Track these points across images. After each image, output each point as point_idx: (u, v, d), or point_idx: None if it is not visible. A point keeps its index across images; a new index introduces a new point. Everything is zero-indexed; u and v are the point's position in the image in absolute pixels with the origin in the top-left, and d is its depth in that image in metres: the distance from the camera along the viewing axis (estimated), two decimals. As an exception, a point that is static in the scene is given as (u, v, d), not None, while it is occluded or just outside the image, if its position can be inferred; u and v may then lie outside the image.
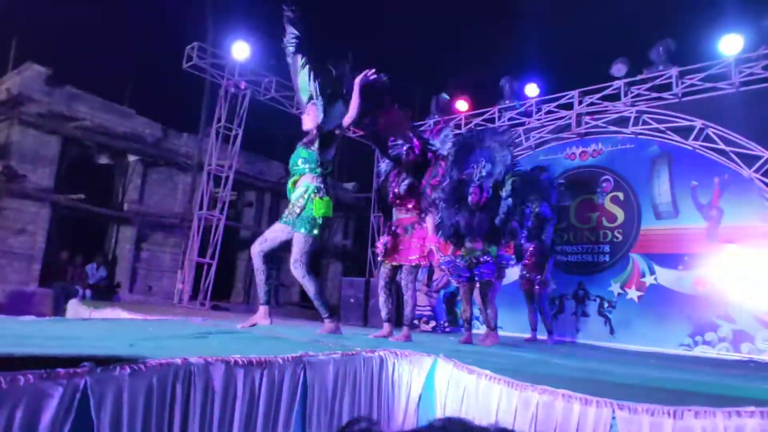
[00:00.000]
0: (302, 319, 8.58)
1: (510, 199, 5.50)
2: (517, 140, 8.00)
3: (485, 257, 5.28)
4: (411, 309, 4.42)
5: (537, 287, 7.25)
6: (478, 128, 8.87)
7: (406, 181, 4.58)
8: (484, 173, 5.62)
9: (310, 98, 4.08)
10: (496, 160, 5.64)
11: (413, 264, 4.42)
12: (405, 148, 4.75)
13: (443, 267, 5.58)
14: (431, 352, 2.64)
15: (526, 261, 7.30)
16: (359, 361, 2.44)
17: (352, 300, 10.02)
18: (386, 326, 4.45)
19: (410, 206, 4.55)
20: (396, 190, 4.59)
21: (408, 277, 4.43)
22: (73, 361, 1.55)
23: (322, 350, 2.38)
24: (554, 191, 7.91)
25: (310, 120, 4.03)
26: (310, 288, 3.93)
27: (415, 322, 9.44)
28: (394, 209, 4.64)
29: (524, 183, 6.30)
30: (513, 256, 5.89)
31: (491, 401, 2.24)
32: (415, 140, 4.70)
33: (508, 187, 5.50)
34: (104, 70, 12.06)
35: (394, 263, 4.51)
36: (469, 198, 5.43)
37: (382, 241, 4.55)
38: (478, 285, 5.65)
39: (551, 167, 8.59)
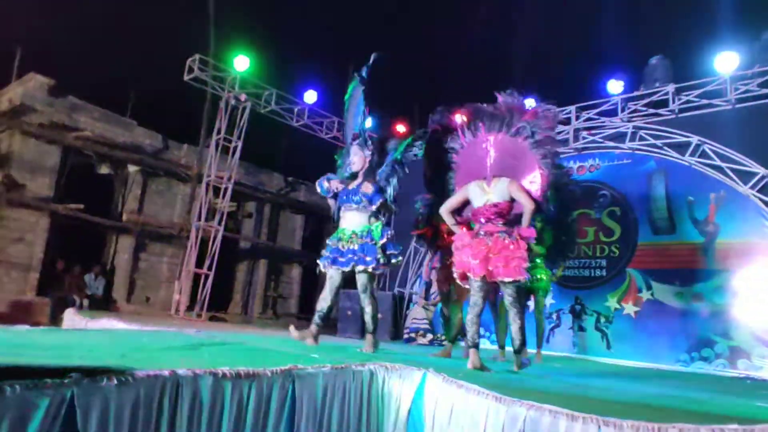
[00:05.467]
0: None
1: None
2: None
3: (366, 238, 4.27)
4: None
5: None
6: None
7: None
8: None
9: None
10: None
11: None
12: None
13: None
14: (422, 366, 2.65)
15: None
16: (349, 374, 2.45)
17: (349, 312, 10.00)
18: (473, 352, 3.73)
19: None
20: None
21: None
22: (61, 372, 1.56)
23: (312, 363, 2.39)
24: None
25: None
26: None
27: (412, 335, 9.43)
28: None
29: None
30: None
31: (479, 416, 2.24)
32: None
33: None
34: (106, 81, 12.16)
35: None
36: None
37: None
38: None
39: None
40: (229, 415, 1.91)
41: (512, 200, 3.82)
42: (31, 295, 9.50)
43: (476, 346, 3.67)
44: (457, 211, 4.08)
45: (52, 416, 1.48)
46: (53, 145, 9.96)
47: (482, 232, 3.73)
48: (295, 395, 2.15)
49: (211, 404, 1.87)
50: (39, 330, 3.61)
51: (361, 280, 4.19)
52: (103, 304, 9.97)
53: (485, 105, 4.23)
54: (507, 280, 3.63)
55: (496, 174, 3.89)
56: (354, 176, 4.37)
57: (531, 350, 5.99)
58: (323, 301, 4.26)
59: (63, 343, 2.71)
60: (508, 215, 3.78)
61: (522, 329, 3.80)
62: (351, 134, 4.57)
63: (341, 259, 4.19)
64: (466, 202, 3.98)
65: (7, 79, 10.36)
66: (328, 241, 4.36)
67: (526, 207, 3.73)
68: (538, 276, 5.78)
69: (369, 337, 4.28)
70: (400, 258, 4.37)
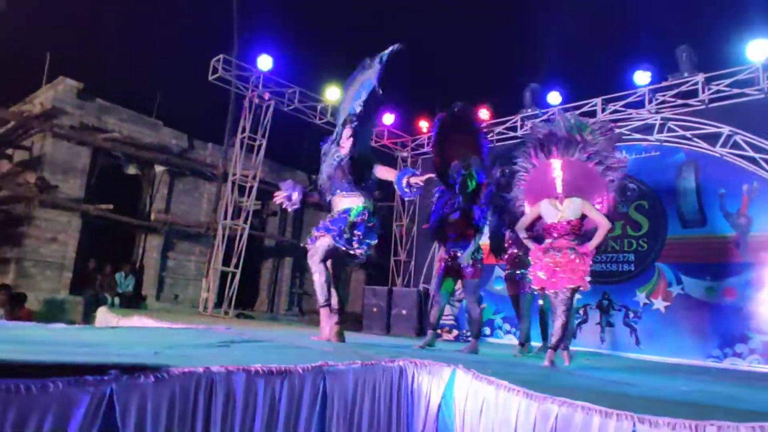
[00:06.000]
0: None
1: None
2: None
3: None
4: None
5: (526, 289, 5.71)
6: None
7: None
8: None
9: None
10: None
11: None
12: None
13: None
14: (451, 363, 2.65)
15: (509, 256, 5.99)
16: (379, 370, 2.46)
17: (374, 309, 10.03)
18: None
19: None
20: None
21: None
22: (100, 369, 1.60)
23: (342, 360, 2.40)
24: None
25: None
26: None
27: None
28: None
29: (502, 159, 5.91)
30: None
31: (510, 413, 2.23)
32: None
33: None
34: (133, 82, 12.39)
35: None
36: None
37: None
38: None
39: None
40: (262, 411, 1.94)
41: (583, 218, 4.25)
42: (64, 294, 9.75)
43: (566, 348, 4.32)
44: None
45: (93, 412, 1.52)
46: (83, 147, 10.17)
47: (553, 248, 4.20)
48: (326, 391, 2.17)
49: (244, 400, 1.90)
50: (75, 328, 3.71)
51: (317, 244, 4.02)
52: (134, 301, 10.18)
53: (559, 130, 4.59)
54: (570, 286, 4.10)
55: (568, 194, 4.28)
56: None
57: None
58: (333, 298, 4.17)
59: (99, 341, 2.77)
60: (579, 231, 4.23)
61: (564, 327, 4.10)
62: (344, 117, 4.38)
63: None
64: (537, 218, 4.46)
65: (37, 83, 10.62)
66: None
67: (603, 226, 4.18)
68: None
69: (322, 311, 4.09)
70: (364, 248, 4.04)
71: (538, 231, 4.47)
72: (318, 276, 4.03)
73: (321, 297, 4.07)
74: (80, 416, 1.49)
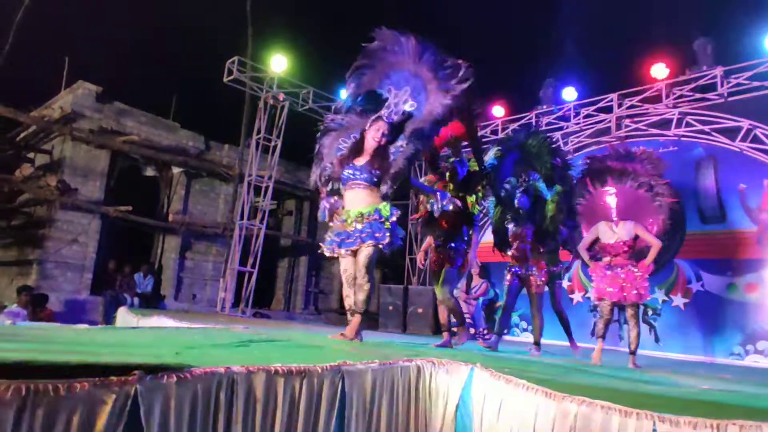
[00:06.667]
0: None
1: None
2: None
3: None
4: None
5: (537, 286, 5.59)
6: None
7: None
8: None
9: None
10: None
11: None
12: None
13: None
14: (468, 361, 2.64)
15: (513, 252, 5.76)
16: (397, 370, 2.47)
17: (390, 307, 10.05)
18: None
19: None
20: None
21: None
22: (124, 369, 1.63)
23: (360, 359, 2.42)
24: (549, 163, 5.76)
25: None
26: None
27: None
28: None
29: (508, 151, 5.74)
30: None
31: (529, 412, 2.23)
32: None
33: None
34: (150, 85, 12.53)
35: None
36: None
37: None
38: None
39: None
40: (282, 410, 1.96)
41: (636, 238, 4.85)
42: (85, 294, 9.91)
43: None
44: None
45: (118, 412, 1.55)
46: (102, 150, 10.32)
47: (613, 265, 4.82)
48: (345, 391, 2.19)
49: (264, 400, 1.92)
50: (97, 328, 3.77)
51: (365, 253, 3.87)
52: (153, 302, 10.31)
53: (612, 162, 5.22)
54: (639, 302, 4.80)
55: (622, 218, 4.90)
56: (358, 152, 4.06)
57: (564, 343, 5.90)
58: (348, 298, 4.06)
59: (121, 341, 2.82)
60: (633, 251, 4.85)
61: (638, 336, 4.84)
62: (375, 102, 4.28)
63: (348, 240, 3.97)
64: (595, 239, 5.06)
65: (57, 88, 10.79)
66: (331, 224, 4.14)
67: (655, 246, 4.79)
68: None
69: (356, 318, 3.95)
70: (400, 243, 4.06)
71: (595, 250, 5.06)
72: (369, 286, 3.93)
73: (364, 304, 3.98)
74: (106, 416, 1.52)
